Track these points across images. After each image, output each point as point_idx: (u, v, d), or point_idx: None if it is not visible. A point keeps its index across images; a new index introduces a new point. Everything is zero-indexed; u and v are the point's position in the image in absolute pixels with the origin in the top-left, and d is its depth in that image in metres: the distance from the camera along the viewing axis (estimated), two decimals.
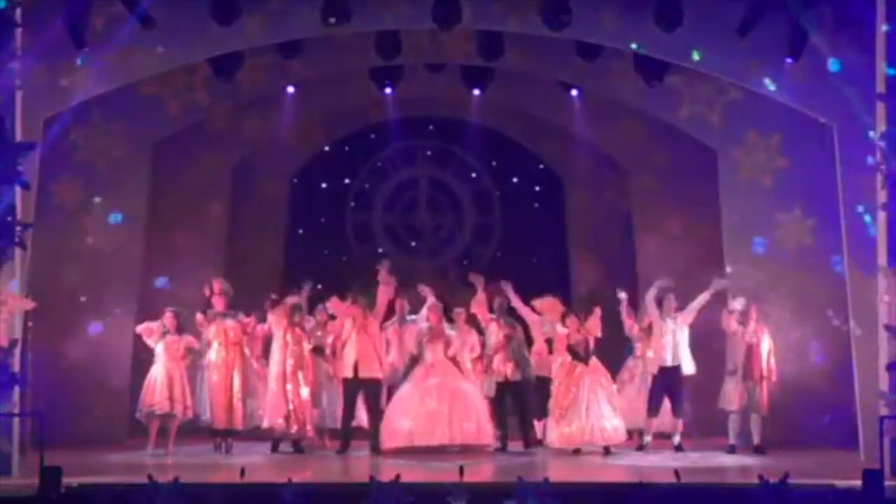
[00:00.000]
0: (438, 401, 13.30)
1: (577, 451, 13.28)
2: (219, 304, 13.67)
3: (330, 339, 13.83)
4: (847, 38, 12.49)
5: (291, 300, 13.63)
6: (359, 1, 12.71)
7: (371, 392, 13.53)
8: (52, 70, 12.43)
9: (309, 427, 13.49)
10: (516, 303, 13.84)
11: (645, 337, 13.79)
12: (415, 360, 13.69)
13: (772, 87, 12.97)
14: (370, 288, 13.71)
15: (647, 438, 13.69)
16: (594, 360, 13.41)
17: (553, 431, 13.41)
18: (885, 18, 12.00)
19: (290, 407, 13.35)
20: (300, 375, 13.45)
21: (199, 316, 13.69)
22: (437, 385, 13.40)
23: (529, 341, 14.05)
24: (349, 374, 13.48)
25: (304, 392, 13.45)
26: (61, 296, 14.05)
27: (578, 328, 13.39)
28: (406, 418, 13.34)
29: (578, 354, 13.35)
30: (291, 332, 13.50)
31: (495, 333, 13.82)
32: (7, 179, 11.64)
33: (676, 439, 13.65)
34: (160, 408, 13.31)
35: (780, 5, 12.52)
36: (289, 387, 13.39)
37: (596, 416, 13.19)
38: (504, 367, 13.73)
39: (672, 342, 13.66)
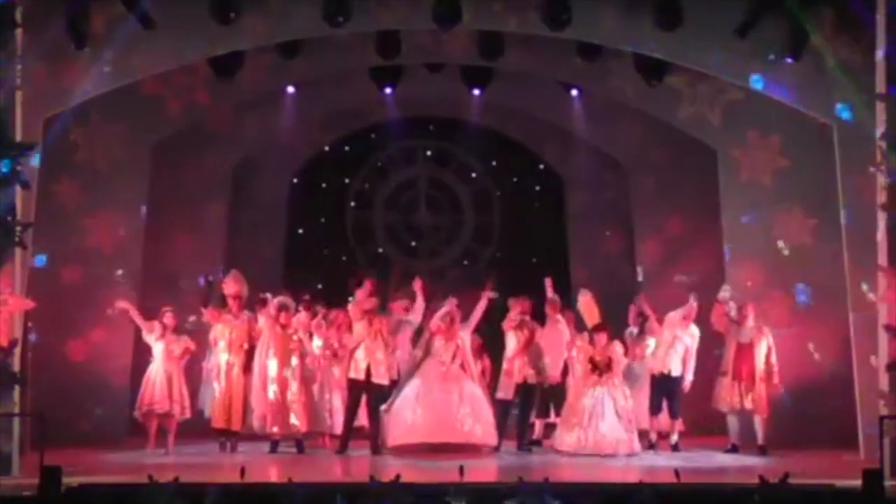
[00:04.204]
0: (448, 400, 13.25)
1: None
2: (234, 305, 13.69)
3: (336, 343, 13.86)
4: (847, 38, 12.49)
5: (278, 300, 13.60)
6: (359, 1, 12.72)
7: (376, 396, 13.50)
8: (52, 70, 12.43)
9: (299, 427, 13.46)
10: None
11: (639, 339, 13.91)
12: (422, 359, 13.64)
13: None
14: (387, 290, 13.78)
15: (653, 436, 13.72)
16: (611, 373, 13.42)
17: (561, 434, 13.50)
18: (885, 19, 12.00)
19: (271, 408, 13.36)
20: (287, 375, 13.43)
21: (207, 312, 13.72)
22: (447, 384, 13.34)
23: None
24: (360, 376, 13.43)
25: (291, 392, 13.42)
26: (61, 296, 14.04)
27: (605, 344, 13.47)
28: (416, 415, 13.26)
29: (598, 367, 13.39)
30: (276, 333, 13.49)
31: (515, 338, 13.79)
32: (7, 179, 11.64)
33: (674, 439, 13.69)
34: (159, 407, 13.30)
35: (780, 5, 12.52)
36: (273, 387, 13.38)
37: (597, 427, 13.20)
38: (524, 371, 13.70)
39: (681, 350, 13.66)
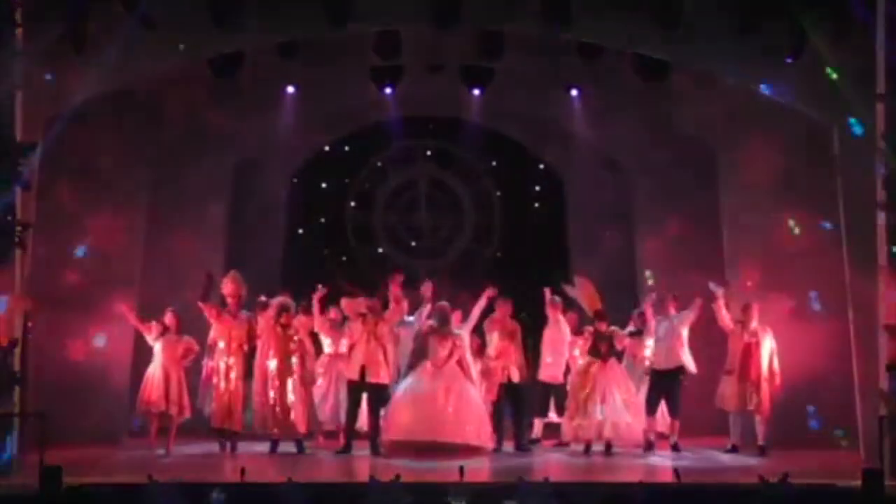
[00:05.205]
0: (444, 399, 13.20)
1: (587, 450, 13.33)
2: (232, 304, 13.69)
3: (344, 341, 13.85)
4: (847, 40, 12.48)
5: (278, 300, 13.59)
6: (359, 1, 12.72)
7: (375, 396, 13.49)
8: (52, 70, 12.43)
9: (299, 427, 13.44)
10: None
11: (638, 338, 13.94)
12: (418, 358, 13.62)
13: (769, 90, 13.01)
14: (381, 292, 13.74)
15: (650, 437, 13.71)
16: (613, 360, 13.45)
17: (567, 425, 13.54)
18: (885, 20, 12.01)
19: (272, 408, 13.36)
20: (287, 375, 13.42)
21: (205, 307, 13.70)
22: (443, 384, 13.30)
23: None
24: (355, 376, 13.44)
25: (291, 392, 13.42)
26: (61, 296, 14.04)
27: (606, 328, 13.53)
28: (410, 413, 13.20)
29: (599, 352, 13.41)
30: (276, 334, 13.48)
31: (498, 337, 13.78)
32: (7, 180, 11.64)
33: (673, 439, 13.68)
34: (155, 407, 13.30)
35: (780, 6, 12.52)
36: (273, 388, 13.38)
37: (611, 412, 13.24)
38: (507, 370, 13.70)
39: (668, 344, 13.67)
